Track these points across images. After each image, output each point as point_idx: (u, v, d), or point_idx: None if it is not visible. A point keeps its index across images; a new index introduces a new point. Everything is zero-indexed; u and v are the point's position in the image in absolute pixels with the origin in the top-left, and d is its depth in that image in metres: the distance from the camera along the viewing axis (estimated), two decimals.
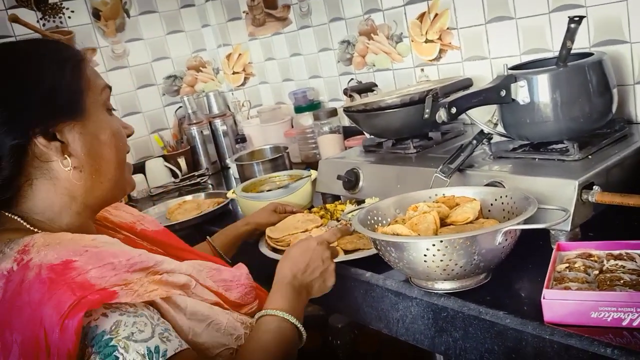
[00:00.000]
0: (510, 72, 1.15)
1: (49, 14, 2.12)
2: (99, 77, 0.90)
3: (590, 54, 1.15)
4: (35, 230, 0.84)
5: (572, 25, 1.05)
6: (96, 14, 2.22)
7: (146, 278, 0.80)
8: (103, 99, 0.88)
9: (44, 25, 2.10)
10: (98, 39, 2.24)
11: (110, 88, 0.91)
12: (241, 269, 1.03)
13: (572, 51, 1.13)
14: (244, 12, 2.39)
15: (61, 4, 2.14)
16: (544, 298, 0.81)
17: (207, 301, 0.88)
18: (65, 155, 0.83)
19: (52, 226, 0.86)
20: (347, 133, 1.87)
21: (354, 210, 1.15)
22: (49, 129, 0.81)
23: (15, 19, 2.04)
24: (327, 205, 1.46)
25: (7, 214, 0.84)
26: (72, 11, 2.16)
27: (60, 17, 2.14)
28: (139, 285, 0.77)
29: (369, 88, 1.73)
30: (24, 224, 0.84)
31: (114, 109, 0.92)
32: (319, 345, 2.14)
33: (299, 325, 0.93)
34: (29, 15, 2.07)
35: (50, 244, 0.78)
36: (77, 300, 0.70)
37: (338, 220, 1.34)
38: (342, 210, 1.37)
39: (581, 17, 1.05)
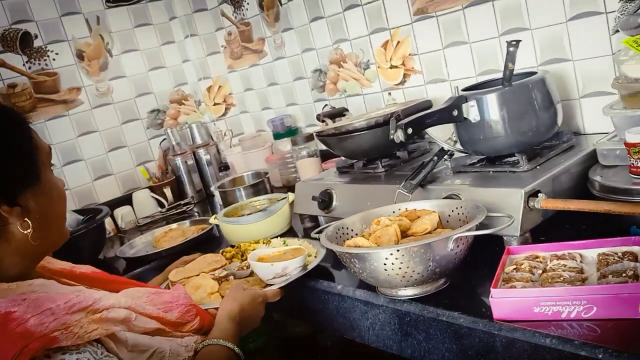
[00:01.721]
0: (462, 93, 1.24)
1: (35, 57, 2.21)
2: (40, 139, 0.94)
3: (535, 73, 1.25)
4: None
5: (511, 49, 1.16)
6: (80, 55, 2.32)
7: (86, 318, 0.82)
8: (49, 158, 0.94)
9: (29, 68, 2.19)
10: (82, 78, 2.33)
11: (50, 148, 0.96)
12: (179, 290, 1.09)
13: (520, 70, 1.23)
14: (222, 46, 2.50)
15: (46, 47, 2.23)
16: (491, 297, 0.89)
17: (148, 331, 0.92)
18: (25, 218, 0.87)
19: None
20: (325, 156, 1.97)
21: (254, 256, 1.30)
22: (13, 199, 0.86)
23: (2, 64, 2.13)
24: (242, 244, 1.51)
25: None
26: (57, 53, 2.26)
27: (45, 60, 2.23)
28: (79, 327, 0.80)
29: (340, 113, 1.82)
30: None
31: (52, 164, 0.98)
32: None
33: (239, 352, 1.02)
34: (16, 59, 2.16)
35: None
36: (19, 350, 0.73)
37: (242, 261, 1.42)
38: (253, 250, 1.42)
39: (518, 41, 1.15)
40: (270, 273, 1.20)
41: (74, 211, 1.97)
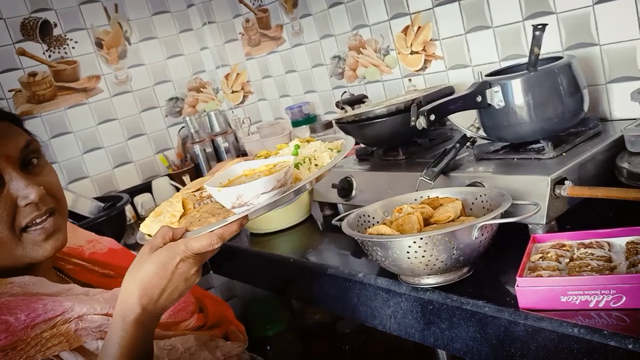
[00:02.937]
0: (486, 78, 1.22)
1: (54, 46, 2.22)
2: None
3: (560, 57, 1.22)
4: None
5: (537, 33, 1.13)
6: (99, 43, 2.33)
7: (49, 331, 0.80)
8: None
9: (49, 56, 2.21)
10: (101, 66, 2.34)
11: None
12: None
13: (545, 55, 1.20)
14: (239, 33, 2.49)
15: (65, 35, 2.24)
16: (517, 286, 0.87)
17: None
18: None
19: None
20: None
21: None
22: None
23: (22, 52, 2.15)
24: (266, 152, 1.13)
25: None
26: (76, 42, 2.27)
27: (64, 48, 2.24)
28: (33, 345, 0.78)
29: (359, 100, 1.81)
30: None
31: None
32: (327, 351, 2.21)
33: None
34: (36, 48, 2.18)
35: None
36: None
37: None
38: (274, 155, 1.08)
39: (544, 25, 1.12)
40: (227, 201, 0.84)
41: (95, 198, 1.99)
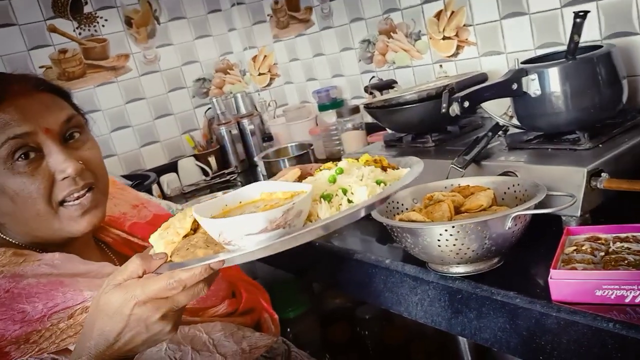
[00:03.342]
0: (522, 65, 1.20)
1: (85, 23, 2.23)
2: (2, 131, 0.84)
3: (600, 46, 1.19)
4: (12, 241, 0.91)
5: (578, 20, 1.10)
6: (128, 22, 2.33)
7: (66, 322, 0.80)
8: (2, 156, 0.84)
9: (80, 33, 2.22)
10: (130, 45, 2.35)
11: (21, 136, 0.85)
12: None
13: (583, 44, 1.17)
14: (268, 15, 2.47)
15: (95, 13, 2.25)
16: (551, 278, 0.86)
17: None
18: None
19: (18, 240, 0.92)
20: (370, 129, 1.94)
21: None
22: None
23: (53, 29, 2.17)
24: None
25: None
26: (106, 20, 2.28)
27: (94, 26, 2.25)
28: (47, 337, 0.78)
29: (389, 85, 1.79)
30: (5, 238, 0.91)
31: (27, 157, 0.86)
32: (347, 336, 2.21)
33: None
34: (66, 25, 2.19)
35: None
36: None
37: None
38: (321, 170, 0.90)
39: (586, 12, 1.09)
40: (213, 234, 0.70)
41: (122, 176, 2.01)
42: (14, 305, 0.79)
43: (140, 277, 0.66)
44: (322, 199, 0.74)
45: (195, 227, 0.76)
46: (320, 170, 0.88)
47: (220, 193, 0.95)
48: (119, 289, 0.67)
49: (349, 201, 0.75)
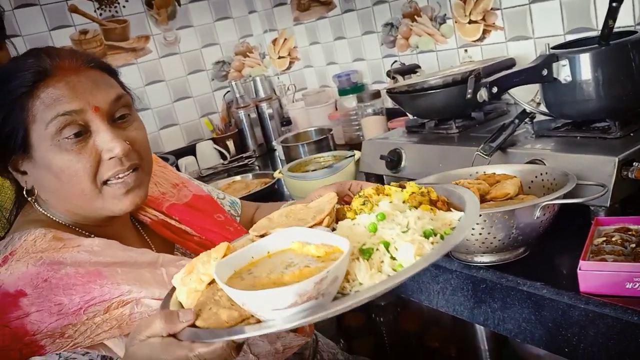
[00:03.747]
0: (553, 51, 1.16)
1: (105, 4, 2.23)
2: (52, 107, 0.83)
3: (634, 32, 1.15)
4: (54, 219, 0.91)
5: (614, 4, 1.06)
6: (149, 3, 2.32)
7: (102, 316, 0.79)
8: (51, 132, 0.83)
9: (100, 14, 2.21)
10: (151, 26, 2.34)
11: (70, 113, 0.84)
12: None
13: (616, 30, 1.13)
14: None
15: None
16: (580, 269, 0.84)
17: None
18: (25, 181, 0.89)
19: (60, 218, 0.92)
20: (390, 114, 1.91)
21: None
22: (4, 164, 0.88)
23: (74, 9, 2.16)
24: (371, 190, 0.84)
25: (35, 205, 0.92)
26: (127, 0, 2.26)
27: (115, 7, 2.25)
28: (82, 331, 0.77)
29: (412, 70, 1.76)
30: (46, 214, 0.91)
31: (77, 135, 0.85)
32: (362, 323, 2.21)
33: None
34: (87, 5, 2.19)
35: (28, 256, 0.81)
36: None
37: None
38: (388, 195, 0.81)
39: None
40: (237, 301, 0.63)
41: None
42: (51, 296, 0.78)
43: (164, 336, 0.66)
44: (360, 256, 0.65)
45: None
46: (360, 196, 0.81)
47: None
48: (145, 346, 0.66)
49: (392, 258, 0.65)
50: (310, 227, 0.74)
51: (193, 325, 0.65)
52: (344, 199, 0.89)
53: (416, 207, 0.74)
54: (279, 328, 0.60)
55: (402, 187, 0.81)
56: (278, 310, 0.59)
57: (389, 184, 0.83)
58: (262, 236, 0.76)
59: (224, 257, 0.71)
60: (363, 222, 0.72)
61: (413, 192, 0.77)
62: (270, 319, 0.60)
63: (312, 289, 0.57)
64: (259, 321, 0.62)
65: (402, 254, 0.64)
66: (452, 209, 0.76)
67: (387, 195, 0.80)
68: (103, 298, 0.80)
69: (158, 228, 1.03)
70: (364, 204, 0.79)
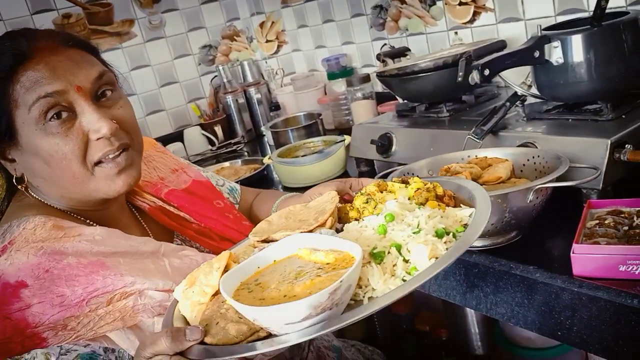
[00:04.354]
0: (544, 32, 1.15)
1: None
2: (33, 90, 0.81)
3: (626, 13, 1.14)
4: (48, 204, 0.89)
5: None
6: None
7: (104, 308, 0.77)
8: (34, 115, 0.81)
9: None
10: (135, 10, 2.29)
11: (52, 95, 0.81)
12: None
13: (608, 10, 1.12)
14: None
15: None
16: (573, 252, 0.83)
17: None
18: (14, 169, 0.88)
19: (54, 204, 0.90)
20: (380, 98, 1.90)
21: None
22: None
23: None
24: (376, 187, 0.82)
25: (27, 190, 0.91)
26: None
27: None
28: (85, 323, 0.76)
29: (402, 53, 1.74)
30: (40, 200, 0.89)
31: (61, 115, 0.83)
32: None
33: None
34: None
35: (28, 246, 0.79)
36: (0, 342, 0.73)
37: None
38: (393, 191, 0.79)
39: None
40: (248, 316, 0.61)
41: None
42: (53, 287, 0.76)
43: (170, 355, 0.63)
44: (372, 261, 0.63)
45: None
46: (362, 194, 0.78)
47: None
48: None
49: (405, 260, 0.63)
50: (314, 229, 0.72)
51: (201, 342, 0.63)
52: (344, 197, 0.86)
53: (423, 204, 0.72)
54: (294, 342, 0.58)
55: (405, 182, 0.78)
56: (291, 324, 0.57)
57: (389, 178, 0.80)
58: (263, 241, 0.74)
59: (226, 266, 0.69)
60: (371, 224, 0.70)
61: (418, 188, 0.75)
62: (283, 332, 0.58)
63: (326, 300, 0.56)
64: (269, 333, 0.60)
65: (416, 256, 0.62)
66: (460, 204, 0.74)
67: (390, 192, 0.78)
68: (106, 289, 0.78)
69: (156, 214, 1.01)
70: (367, 202, 0.77)
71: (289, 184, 1.63)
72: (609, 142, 0.99)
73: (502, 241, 0.97)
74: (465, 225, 0.67)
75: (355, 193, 0.82)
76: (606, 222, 0.89)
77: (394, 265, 0.62)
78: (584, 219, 0.92)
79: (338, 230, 0.74)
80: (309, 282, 0.60)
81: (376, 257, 0.63)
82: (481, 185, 1.00)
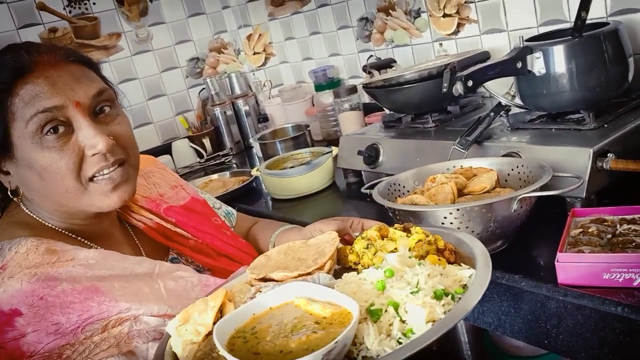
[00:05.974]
0: (527, 43, 1.16)
1: (75, 1, 2.17)
2: (31, 104, 0.80)
3: (606, 24, 1.16)
4: (41, 221, 0.89)
5: None
6: (120, 0, 2.27)
7: (99, 335, 0.77)
8: (31, 130, 0.81)
9: (70, 12, 2.16)
10: (122, 23, 2.29)
11: (50, 109, 0.81)
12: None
13: (589, 21, 1.14)
14: None
15: None
16: (557, 261, 0.84)
17: None
18: (9, 181, 0.87)
19: (47, 219, 0.90)
20: (367, 109, 1.91)
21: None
22: None
23: (42, 7, 2.10)
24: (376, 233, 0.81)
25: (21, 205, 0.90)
26: None
27: (85, 4, 2.19)
28: (80, 351, 0.75)
29: (387, 64, 1.75)
30: (33, 215, 0.89)
31: (56, 130, 0.82)
32: None
33: None
34: (56, 3, 2.13)
35: (22, 272, 0.77)
36: None
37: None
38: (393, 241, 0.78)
39: None
40: None
41: None
42: (47, 315, 0.75)
43: None
44: (369, 317, 0.62)
45: (216, 321, 0.66)
46: (362, 238, 0.78)
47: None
48: None
49: (401, 321, 0.61)
50: (312, 271, 0.71)
51: None
52: (344, 238, 0.86)
53: (423, 257, 0.72)
54: None
55: (407, 230, 0.78)
56: None
57: (392, 226, 0.80)
58: (261, 280, 0.73)
59: (221, 304, 0.68)
60: (370, 277, 0.69)
61: (420, 240, 0.74)
62: None
63: None
64: None
65: (413, 318, 0.61)
66: (461, 263, 0.73)
67: (391, 239, 0.77)
68: (101, 316, 0.78)
69: (152, 234, 1.01)
70: (367, 247, 0.76)
71: (277, 195, 1.63)
72: (592, 151, 1.00)
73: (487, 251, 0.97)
74: (465, 286, 0.66)
75: (356, 235, 0.82)
76: (590, 230, 0.90)
77: (390, 325, 0.61)
78: (568, 227, 0.92)
79: (336, 272, 0.74)
80: (304, 339, 0.59)
81: (373, 314, 0.62)
82: (467, 194, 1.02)
